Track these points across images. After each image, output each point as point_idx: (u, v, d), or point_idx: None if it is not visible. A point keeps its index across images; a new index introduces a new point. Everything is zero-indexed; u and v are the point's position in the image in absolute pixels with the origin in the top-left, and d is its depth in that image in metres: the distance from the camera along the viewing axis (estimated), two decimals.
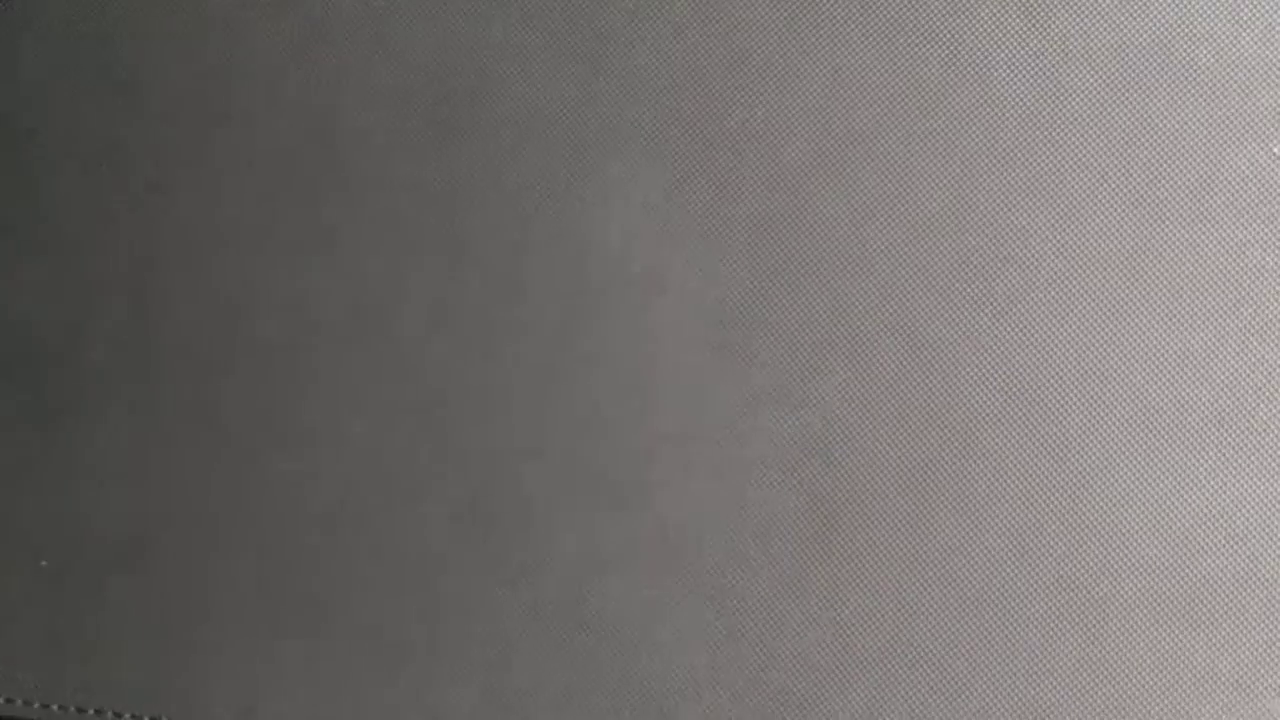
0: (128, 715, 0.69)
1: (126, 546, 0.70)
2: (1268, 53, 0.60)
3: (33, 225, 0.71)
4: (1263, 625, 0.59)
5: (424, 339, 0.67)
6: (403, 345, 0.67)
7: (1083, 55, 0.61)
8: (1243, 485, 0.60)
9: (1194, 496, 0.60)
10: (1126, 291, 0.61)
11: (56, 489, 0.71)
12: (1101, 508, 0.61)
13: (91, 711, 0.70)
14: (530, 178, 0.66)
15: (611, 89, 0.66)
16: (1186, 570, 0.60)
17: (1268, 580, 0.59)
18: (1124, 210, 0.61)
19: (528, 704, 0.65)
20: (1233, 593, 0.60)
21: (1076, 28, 0.61)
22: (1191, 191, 0.60)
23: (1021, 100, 0.62)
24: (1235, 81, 0.60)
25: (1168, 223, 0.61)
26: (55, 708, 0.70)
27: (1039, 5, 0.62)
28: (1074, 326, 0.61)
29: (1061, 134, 0.61)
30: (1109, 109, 0.61)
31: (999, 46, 0.62)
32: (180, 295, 0.70)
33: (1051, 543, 0.61)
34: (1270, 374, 0.60)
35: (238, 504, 0.69)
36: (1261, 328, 0.60)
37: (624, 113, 0.66)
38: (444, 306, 0.67)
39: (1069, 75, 0.61)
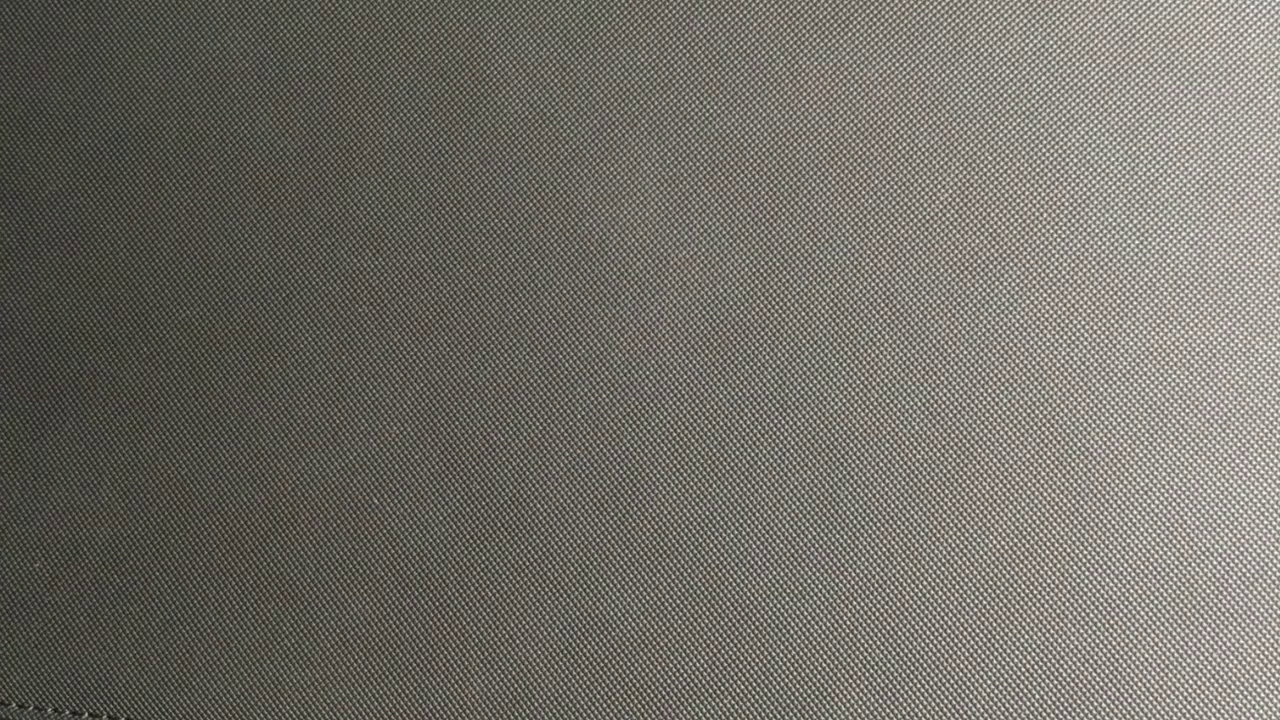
0: (122, 718, 0.69)
1: (120, 549, 0.70)
2: (1272, 52, 0.60)
3: (31, 225, 0.71)
4: (1270, 627, 0.59)
5: (423, 339, 0.67)
6: (402, 345, 0.67)
7: (1086, 53, 0.61)
8: (1249, 486, 0.60)
9: (1199, 498, 0.60)
10: (1130, 291, 0.61)
11: (49, 491, 0.70)
12: (1105, 509, 0.61)
13: (86, 715, 0.69)
14: (530, 178, 0.66)
15: (611, 89, 0.66)
16: (1192, 572, 0.60)
17: (1274, 582, 0.59)
18: (1127, 209, 0.61)
19: (528, 704, 0.65)
20: (1239, 594, 0.60)
21: (1079, 25, 0.62)
22: (1195, 190, 0.60)
23: (1024, 98, 0.62)
24: (1239, 80, 0.60)
25: (1171, 221, 0.61)
26: (50, 711, 0.70)
27: (1042, 2, 0.62)
28: (1076, 326, 0.61)
29: (1064, 132, 0.62)
30: (1112, 107, 0.61)
31: (1001, 44, 0.62)
32: (178, 295, 0.70)
33: (1055, 544, 0.61)
34: (1276, 374, 0.60)
35: (232, 507, 0.69)
36: (1266, 328, 0.60)
37: (624, 112, 0.66)
38: (443, 306, 0.67)
39: (1072, 73, 0.61)
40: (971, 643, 0.62)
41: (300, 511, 0.68)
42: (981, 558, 0.62)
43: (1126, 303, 0.61)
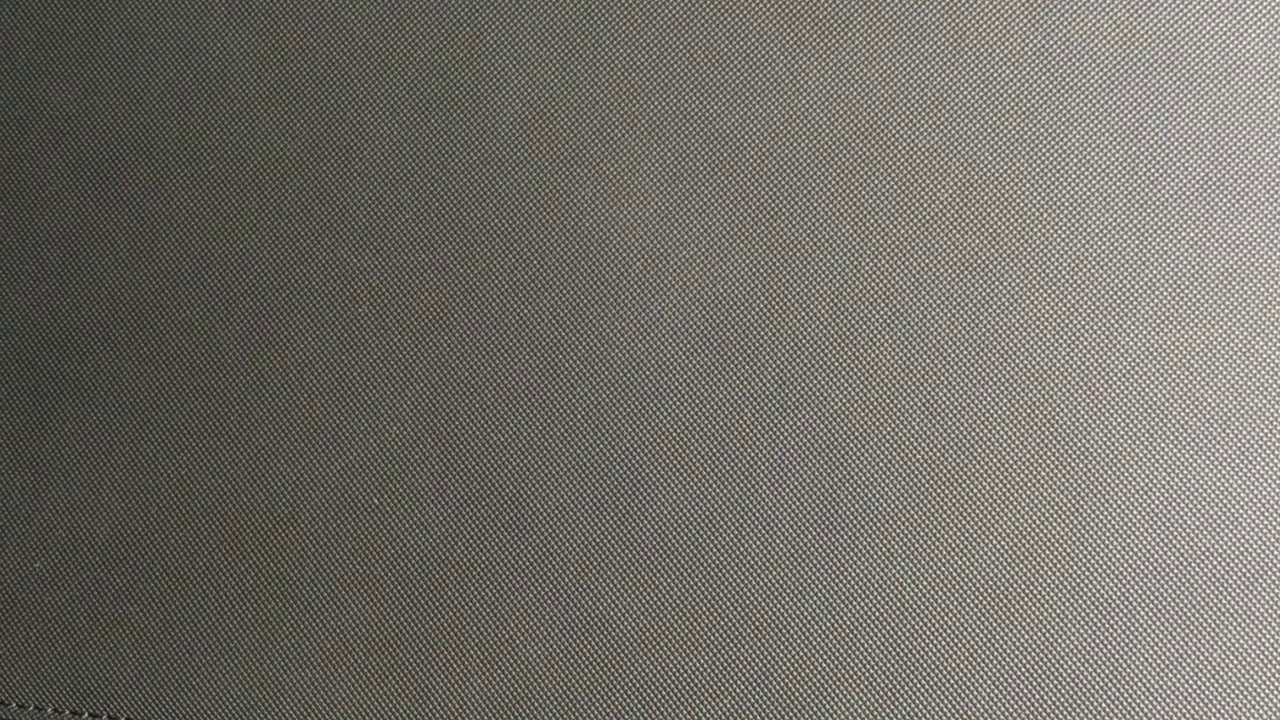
0: (122, 718, 0.69)
1: (120, 548, 0.70)
2: (1272, 52, 0.60)
3: (31, 225, 0.71)
4: (1270, 627, 0.59)
5: (423, 339, 0.67)
6: (402, 345, 0.67)
7: (1086, 53, 0.61)
8: (1249, 486, 0.60)
9: (1199, 498, 0.60)
10: (1130, 291, 0.61)
11: (49, 491, 0.70)
12: (1105, 509, 0.61)
13: (86, 715, 0.69)
14: (530, 178, 0.66)
15: (611, 89, 0.66)
16: (1192, 572, 0.60)
17: (1274, 582, 0.59)
18: (1127, 209, 0.61)
19: (528, 704, 0.65)
20: (1239, 594, 0.60)
21: (1079, 25, 0.62)
22: (1195, 190, 0.60)
23: (1024, 98, 0.62)
24: (1239, 80, 0.60)
25: (1171, 221, 0.61)
26: (49, 711, 0.70)
27: (1042, 2, 0.62)
28: (1076, 326, 0.61)
29: (1064, 132, 0.62)
30: (1112, 107, 0.61)
31: (1001, 44, 0.62)
32: (178, 295, 0.70)
33: (1055, 544, 0.61)
34: (1276, 374, 0.60)
35: (232, 507, 0.69)
36: (1266, 328, 0.60)
37: (624, 112, 0.66)
38: (443, 306, 0.67)
39: (1072, 73, 0.61)
40: (971, 643, 0.62)
41: (300, 511, 0.68)
42: (981, 558, 0.62)
43: (1126, 303, 0.61)
